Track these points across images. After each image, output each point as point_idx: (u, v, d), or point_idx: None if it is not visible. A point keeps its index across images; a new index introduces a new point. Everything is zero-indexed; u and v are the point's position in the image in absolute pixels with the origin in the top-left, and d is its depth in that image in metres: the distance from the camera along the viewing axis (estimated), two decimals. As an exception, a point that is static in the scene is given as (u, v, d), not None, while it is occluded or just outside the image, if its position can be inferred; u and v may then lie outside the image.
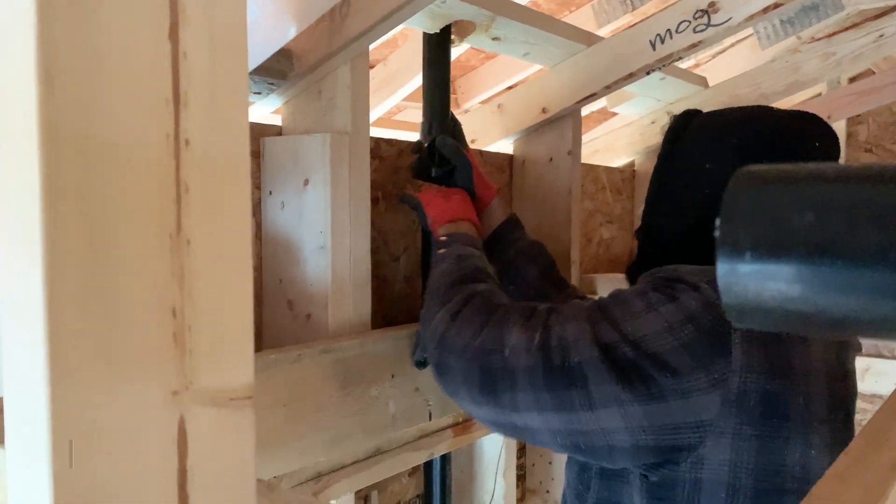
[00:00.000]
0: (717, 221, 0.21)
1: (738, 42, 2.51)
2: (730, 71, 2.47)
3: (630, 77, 1.36)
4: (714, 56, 2.64)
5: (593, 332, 0.74)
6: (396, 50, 1.79)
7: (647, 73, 1.36)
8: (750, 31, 2.35)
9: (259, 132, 1.03)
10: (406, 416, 1.03)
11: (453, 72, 2.34)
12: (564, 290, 1.17)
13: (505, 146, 1.60)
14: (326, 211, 0.95)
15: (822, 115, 2.50)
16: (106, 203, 0.27)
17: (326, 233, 0.95)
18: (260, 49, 0.88)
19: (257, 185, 1.03)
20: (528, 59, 1.39)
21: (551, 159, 1.53)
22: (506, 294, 0.90)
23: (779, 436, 0.70)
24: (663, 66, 1.32)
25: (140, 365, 0.28)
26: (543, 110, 1.47)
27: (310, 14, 0.87)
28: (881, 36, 1.64)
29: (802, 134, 0.83)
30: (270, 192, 1.02)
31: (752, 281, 0.20)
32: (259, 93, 1.01)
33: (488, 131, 1.56)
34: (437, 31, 1.16)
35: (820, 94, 2.83)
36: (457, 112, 1.47)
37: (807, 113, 0.87)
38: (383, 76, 1.74)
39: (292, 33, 0.88)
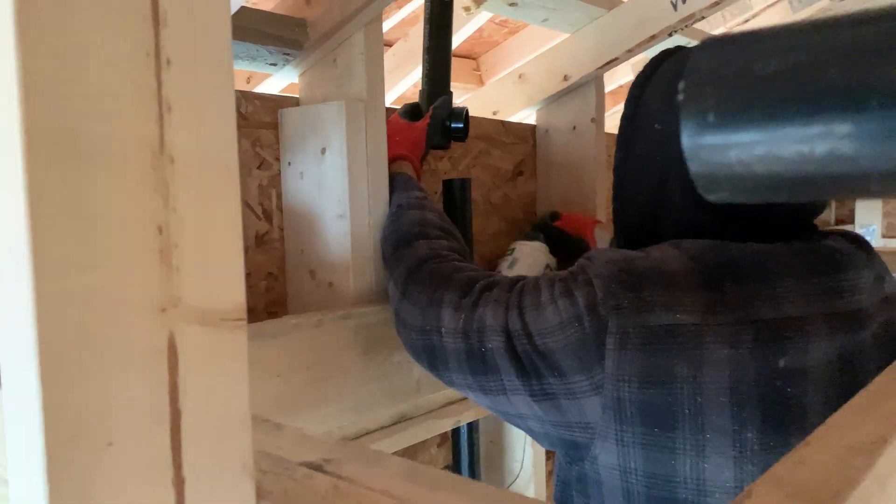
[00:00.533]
0: (681, 85, 0.20)
1: (768, 7, 2.45)
2: (761, 37, 2.40)
3: (652, 39, 1.33)
4: (744, 23, 2.57)
5: (506, 318, 0.72)
6: (417, 26, 1.79)
7: (670, 35, 1.33)
8: (781, -6, 2.29)
9: (277, 104, 1.04)
10: (430, 382, 1.03)
11: (476, 48, 2.33)
12: None
13: (528, 116, 1.59)
14: (344, 179, 0.95)
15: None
16: (86, 120, 0.27)
17: (344, 201, 0.95)
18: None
19: (276, 157, 1.04)
20: (548, 25, 1.37)
21: (575, 128, 1.51)
22: (450, 246, 0.90)
23: (664, 445, 0.63)
24: (686, 26, 1.29)
25: (126, 278, 0.28)
26: (565, 78, 1.45)
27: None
28: (917, -12, 1.57)
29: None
30: (290, 163, 1.02)
31: (718, 143, 0.19)
32: (275, 64, 1.02)
33: (510, 102, 1.55)
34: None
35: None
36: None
37: None
38: (404, 52, 1.74)
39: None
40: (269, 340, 0.83)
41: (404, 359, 0.99)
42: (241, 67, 1.02)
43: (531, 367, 0.71)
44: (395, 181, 1.02)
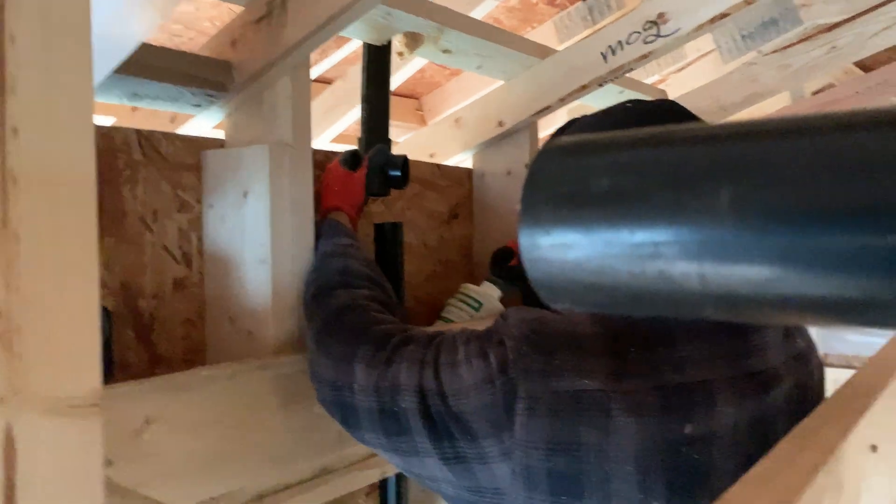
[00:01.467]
0: (520, 195, 0.20)
1: (701, 57, 2.54)
2: (694, 84, 2.49)
3: (583, 89, 1.36)
4: (679, 70, 2.66)
5: (420, 376, 0.71)
6: (356, 64, 1.79)
7: (600, 85, 1.36)
8: (713, 45, 2.38)
9: (200, 145, 1.01)
10: (353, 433, 1.00)
11: (418, 88, 2.34)
12: None
13: (464, 160, 1.60)
14: (266, 223, 0.93)
15: (785, 127, 2.53)
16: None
17: (266, 246, 0.93)
18: (120, 43, 0.82)
19: (198, 199, 1.01)
20: (482, 72, 1.39)
21: (510, 172, 1.52)
22: (372, 296, 0.88)
23: None
24: (615, 77, 1.33)
25: (-47, 369, 0.26)
26: (500, 123, 1.47)
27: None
28: (834, 47, 1.66)
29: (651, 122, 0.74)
30: (211, 206, 1.00)
31: (555, 253, 0.18)
32: (198, 105, 1.00)
33: (447, 145, 1.55)
34: (384, 43, 1.15)
35: (785, 107, 2.86)
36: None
37: (664, 103, 0.79)
38: (342, 92, 1.73)
39: (151, 27, 0.81)
40: (180, 394, 0.79)
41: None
42: (164, 108, 1.00)
43: (444, 429, 0.69)
44: (322, 228, 1.00)
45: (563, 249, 0.18)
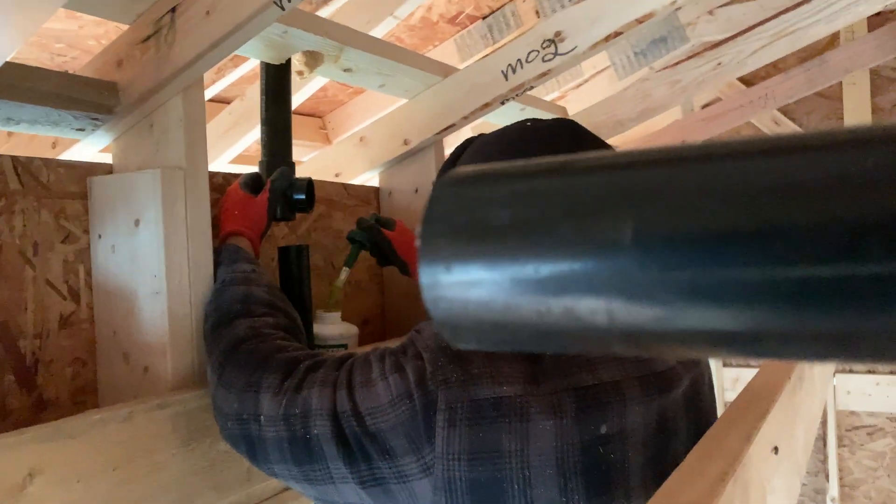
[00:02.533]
0: (417, 230, 0.18)
1: (597, 73, 2.62)
2: (592, 100, 2.57)
3: (486, 107, 1.37)
4: (578, 86, 2.74)
5: (332, 399, 0.70)
6: (255, 83, 1.74)
7: (502, 103, 1.37)
8: (608, 62, 2.47)
9: (86, 171, 0.95)
10: (263, 468, 0.96)
11: (321, 107, 2.31)
12: None
13: (370, 179, 1.58)
14: (160, 252, 0.88)
15: (678, 139, 2.63)
16: None
17: (161, 276, 0.88)
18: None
19: (85, 230, 0.94)
20: (385, 90, 1.38)
21: (417, 190, 1.51)
22: (276, 323, 0.85)
23: None
24: (517, 95, 1.34)
25: None
26: (405, 142, 1.46)
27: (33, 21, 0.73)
28: (719, 64, 1.75)
29: (540, 149, 0.73)
30: (100, 236, 0.93)
31: (457, 292, 0.17)
32: (82, 129, 0.93)
33: (353, 164, 1.53)
34: (282, 62, 1.12)
35: (676, 121, 3.00)
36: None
37: (562, 121, 0.79)
38: (241, 111, 1.68)
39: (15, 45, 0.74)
40: (67, 441, 0.73)
41: (232, 446, 0.91)
42: (43, 133, 0.93)
43: (359, 450, 0.67)
44: (221, 254, 0.96)
45: (465, 287, 0.17)
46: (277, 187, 1.07)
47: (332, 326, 1.17)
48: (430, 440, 0.63)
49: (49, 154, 1.14)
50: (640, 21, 1.22)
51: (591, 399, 0.64)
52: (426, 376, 0.65)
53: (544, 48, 1.28)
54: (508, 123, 0.85)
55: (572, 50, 1.25)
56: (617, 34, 1.23)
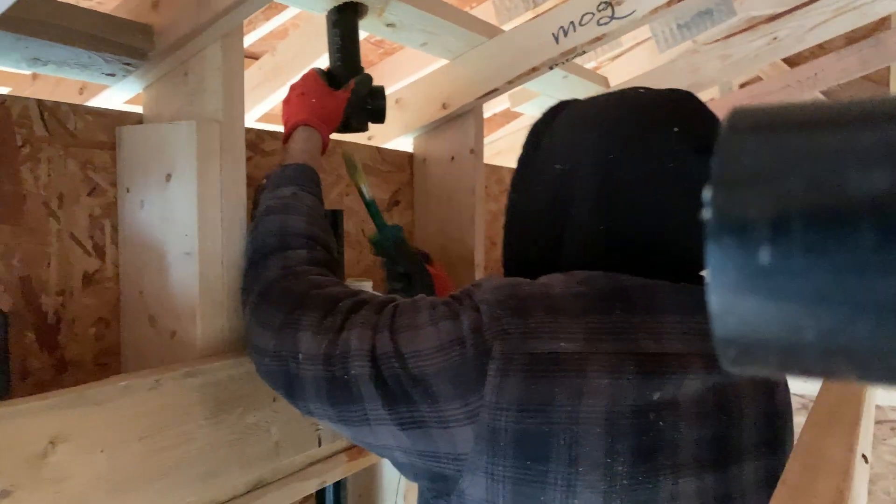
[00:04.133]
0: (708, 194, 0.12)
1: (636, 45, 2.52)
2: (629, 73, 2.47)
3: (533, 71, 1.29)
4: (614, 59, 2.64)
5: (373, 341, 0.67)
6: (286, 39, 1.66)
7: (551, 68, 1.30)
8: (648, 34, 2.37)
9: (115, 120, 0.89)
10: (292, 442, 0.91)
11: (351, 67, 2.23)
12: None
13: (405, 144, 1.51)
14: (192, 210, 0.82)
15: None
16: None
17: (193, 236, 0.82)
18: None
19: (113, 182, 0.89)
20: (427, 49, 1.30)
21: (453, 158, 1.44)
22: (311, 257, 0.82)
23: (535, 480, 0.60)
24: (567, 59, 1.27)
25: None
26: (444, 106, 1.39)
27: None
28: (774, 38, 1.66)
29: (671, 117, 0.70)
30: (128, 190, 0.88)
31: (772, 292, 0.11)
32: (113, 74, 0.87)
33: (386, 128, 1.46)
34: (324, 12, 1.05)
35: (713, 99, 2.90)
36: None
37: (678, 92, 0.75)
38: (271, 67, 1.61)
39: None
40: (92, 409, 0.68)
41: (261, 418, 0.86)
42: (71, 76, 0.87)
43: (401, 392, 0.65)
44: (271, 175, 0.90)
45: (793, 284, 0.11)
46: (361, 89, 1.03)
47: (363, 296, 1.11)
48: (480, 388, 0.62)
49: (76, 100, 1.08)
50: (706, -15, 1.13)
51: (651, 366, 0.61)
52: (482, 326, 0.63)
53: (600, 10, 1.20)
54: (569, 95, 0.80)
55: (630, 14, 1.17)
56: (680, -1, 1.15)
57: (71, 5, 0.77)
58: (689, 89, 1.87)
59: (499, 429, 0.61)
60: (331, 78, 1.03)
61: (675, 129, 0.68)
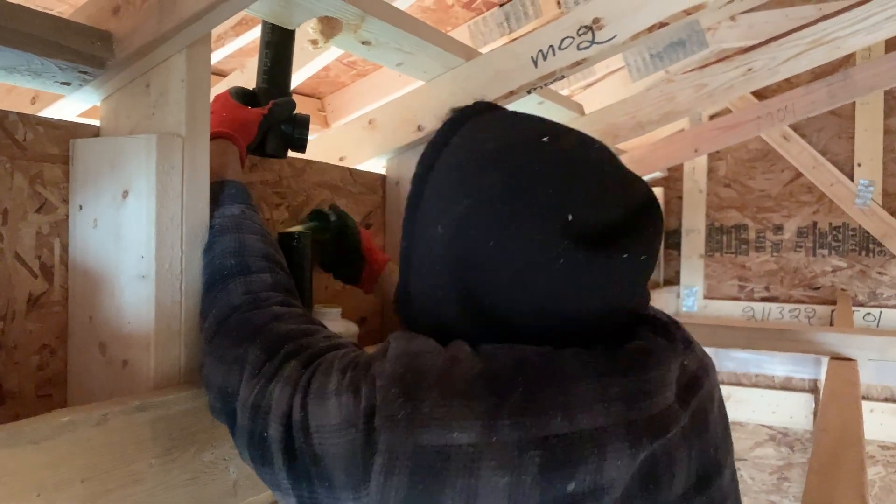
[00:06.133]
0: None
1: (610, 73, 2.53)
2: (602, 101, 2.48)
3: (511, 95, 1.26)
4: (586, 87, 2.65)
5: (290, 402, 0.62)
6: (255, 56, 1.62)
7: (529, 92, 1.27)
8: (621, 63, 2.38)
9: (69, 132, 0.83)
10: (251, 482, 0.84)
11: (321, 87, 2.19)
12: None
13: (377, 165, 1.47)
14: (150, 230, 0.76)
15: (690, 148, 2.55)
16: None
17: (149, 258, 0.76)
18: None
19: (65, 199, 0.82)
20: (402, 69, 1.27)
21: (427, 181, 1.40)
22: (275, 283, 0.77)
23: None
24: (545, 83, 1.24)
25: None
26: (419, 128, 1.35)
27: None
28: (749, 69, 1.66)
29: (552, 203, 0.58)
30: (81, 207, 0.81)
31: None
32: (68, 83, 0.81)
33: (359, 149, 1.42)
34: (297, 27, 1.01)
35: (682, 130, 2.92)
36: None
37: (582, 152, 0.63)
38: (241, 84, 1.55)
39: None
40: (27, 447, 0.61)
41: (219, 456, 0.80)
42: (22, 84, 0.81)
43: (303, 470, 0.60)
44: (212, 189, 0.84)
45: None
46: (279, 111, 0.97)
47: (331, 324, 1.05)
48: (366, 483, 0.55)
49: (28, 110, 1.02)
50: (688, 12, 1.12)
51: (560, 451, 0.53)
52: (375, 409, 0.56)
53: (580, 35, 1.18)
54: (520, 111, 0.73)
55: (611, 39, 1.15)
56: (661, 25, 1.13)
57: (22, 6, 0.71)
58: (663, 118, 1.87)
59: None
60: (250, 98, 0.98)
61: (569, 218, 0.57)
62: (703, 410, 0.65)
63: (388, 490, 0.54)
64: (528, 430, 0.53)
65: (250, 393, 0.65)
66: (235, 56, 1.73)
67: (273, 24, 1.00)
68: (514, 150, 0.62)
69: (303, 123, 1.02)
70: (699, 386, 0.65)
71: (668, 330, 0.66)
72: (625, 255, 0.57)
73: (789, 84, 2.82)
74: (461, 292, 0.62)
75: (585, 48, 1.17)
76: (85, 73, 0.80)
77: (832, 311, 2.94)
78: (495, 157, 0.62)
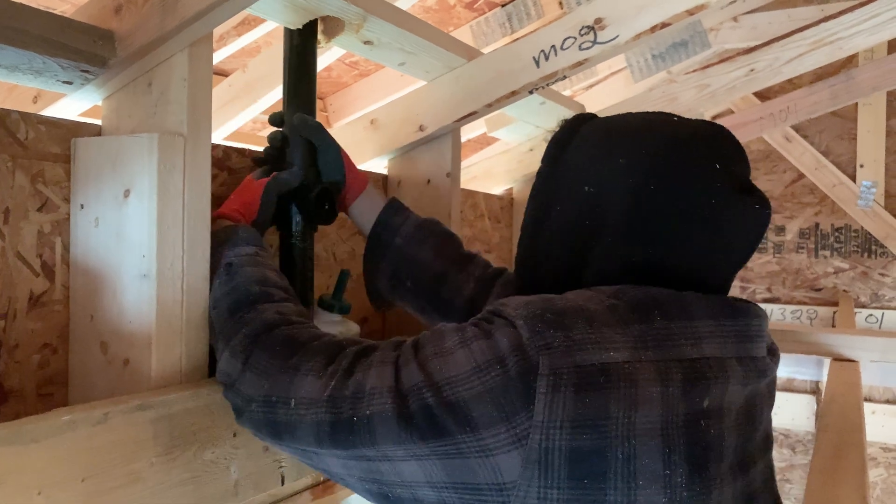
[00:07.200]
0: None
1: (612, 74, 2.53)
2: (604, 102, 2.47)
3: (513, 95, 1.26)
4: (588, 87, 2.65)
5: (395, 377, 0.65)
6: (257, 56, 1.62)
7: (531, 92, 1.27)
8: (623, 63, 2.38)
9: (70, 131, 0.83)
10: (252, 481, 0.85)
11: (323, 88, 2.19)
12: (468, 266, 1.06)
13: (378, 165, 1.47)
14: (151, 229, 0.76)
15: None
16: None
17: (151, 257, 0.76)
18: None
19: (66, 198, 0.82)
20: (404, 69, 1.27)
21: (429, 181, 1.40)
22: (299, 310, 0.79)
23: (592, 499, 0.58)
24: (547, 84, 1.24)
25: None
26: (421, 128, 1.35)
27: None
28: (752, 70, 1.66)
29: (711, 153, 0.70)
30: (82, 206, 0.81)
31: None
32: (70, 82, 0.81)
33: (361, 149, 1.42)
34: (300, 27, 1.00)
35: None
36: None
37: (712, 126, 0.75)
38: (242, 84, 1.56)
39: None
40: (29, 446, 0.61)
41: (220, 455, 0.80)
42: (24, 83, 0.81)
43: (433, 424, 0.61)
44: (217, 235, 0.84)
45: None
46: (272, 188, 0.93)
47: (331, 325, 1.05)
48: (528, 407, 0.58)
49: (30, 109, 1.02)
50: (690, 13, 1.12)
51: (695, 372, 0.62)
52: (523, 342, 0.60)
53: (582, 35, 1.17)
54: (546, 121, 0.79)
55: (613, 39, 1.15)
56: (664, 25, 1.13)
57: (24, 5, 0.71)
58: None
59: (552, 449, 0.58)
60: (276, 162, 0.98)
61: (717, 167, 0.69)
62: (772, 381, 0.73)
63: (557, 406, 0.57)
64: (668, 352, 0.61)
65: (322, 390, 0.67)
66: (237, 56, 1.73)
67: (291, 67, 0.99)
68: (657, 122, 0.74)
69: (309, 202, 0.96)
70: (777, 358, 0.74)
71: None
72: (757, 206, 0.68)
73: (792, 85, 2.82)
74: (610, 246, 0.70)
75: (587, 48, 1.17)
76: (87, 72, 0.80)
77: (834, 313, 2.94)
78: (643, 127, 0.74)
